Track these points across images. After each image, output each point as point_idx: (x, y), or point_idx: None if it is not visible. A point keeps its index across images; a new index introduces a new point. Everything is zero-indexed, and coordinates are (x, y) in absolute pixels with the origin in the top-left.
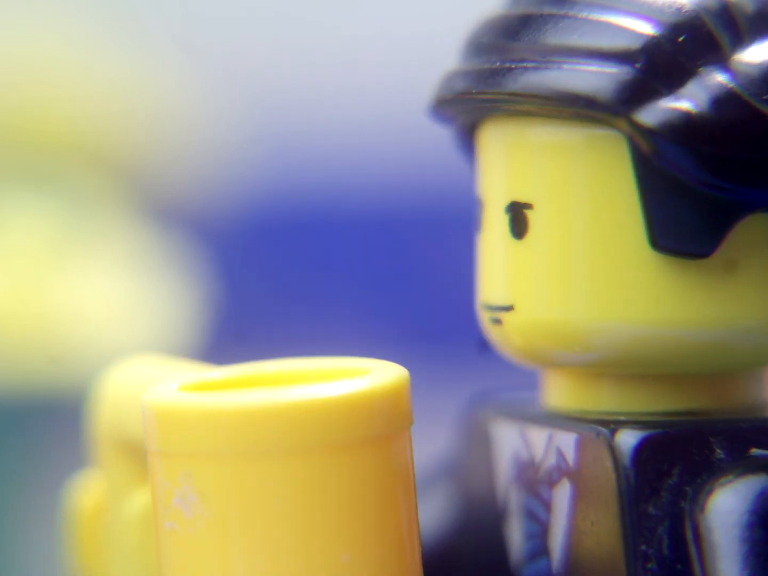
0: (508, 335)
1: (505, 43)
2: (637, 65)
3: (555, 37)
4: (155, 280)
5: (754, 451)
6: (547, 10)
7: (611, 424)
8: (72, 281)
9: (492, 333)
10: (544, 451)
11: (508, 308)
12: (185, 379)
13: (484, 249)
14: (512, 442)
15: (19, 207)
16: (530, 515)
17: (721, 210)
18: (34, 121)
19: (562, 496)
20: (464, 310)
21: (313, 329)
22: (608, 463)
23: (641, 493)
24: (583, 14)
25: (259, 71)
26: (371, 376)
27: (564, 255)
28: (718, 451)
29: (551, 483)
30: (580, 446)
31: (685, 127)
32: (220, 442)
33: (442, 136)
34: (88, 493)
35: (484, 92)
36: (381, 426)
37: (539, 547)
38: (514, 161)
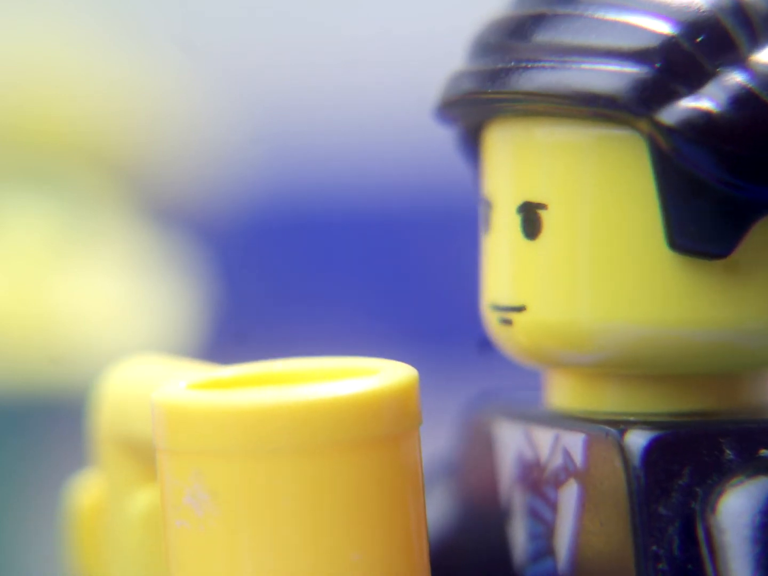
0: (517, 336)
1: (518, 43)
2: (657, 65)
3: (571, 36)
4: (155, 280)
5: (763, 452)
6: (561, 10)
7: (620, 425)
8: (72, 281)
9: (499, 333)
10: (550, 452)
11: (520, 309)
12: (194, 377)
13: (493, 249)
14: (516, 442)
15: (19, 207)
16: (535, 515)
17: (740, 210)
18: (34, 121)
19: (569, 496)
20: (465, 310)
21: (314, 329)
22: (618, 464)
23: (651, 493)
24: (599, 14)
25: (259, 71)
26: (381, 375)
27: (578, 255)
28: (728, 451)
29: (557, 483)
30: (588, 447)
31: (705, 127)
32: (231, 440)
33: (442, 136)
34: (88, 493)
35: (498, 92)
36: (391, 425)
37: (544, 548)
38: (524, 161)
